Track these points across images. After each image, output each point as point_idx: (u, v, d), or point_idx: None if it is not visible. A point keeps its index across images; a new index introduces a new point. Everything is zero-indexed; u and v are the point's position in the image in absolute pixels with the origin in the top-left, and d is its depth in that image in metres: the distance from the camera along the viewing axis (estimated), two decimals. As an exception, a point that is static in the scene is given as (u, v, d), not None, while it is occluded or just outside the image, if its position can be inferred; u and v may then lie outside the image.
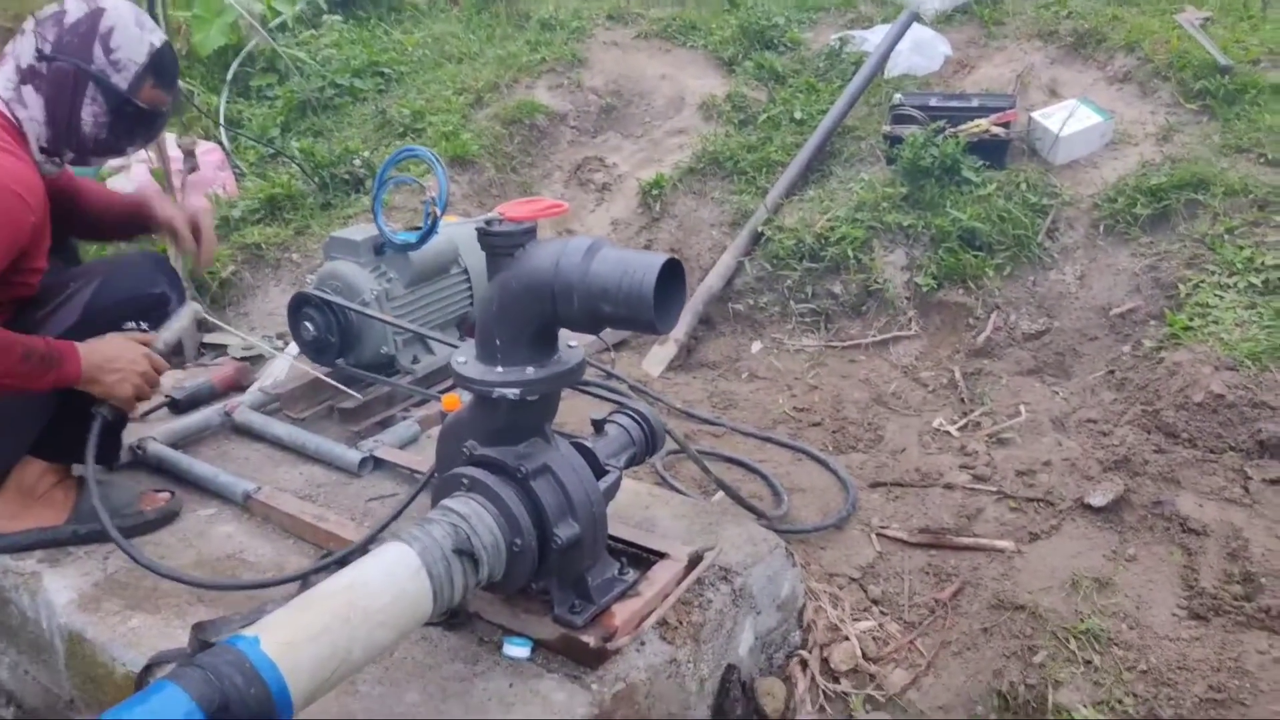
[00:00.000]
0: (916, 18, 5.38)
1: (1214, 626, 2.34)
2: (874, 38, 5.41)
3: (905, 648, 2.34)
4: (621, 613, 1.80)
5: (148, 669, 1.69)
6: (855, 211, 4.21)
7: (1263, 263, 3.48)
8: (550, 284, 1.59)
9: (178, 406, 2.76)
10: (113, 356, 1.99)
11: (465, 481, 1.68)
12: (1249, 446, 2.86)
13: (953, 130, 4.30)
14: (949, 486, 2.94)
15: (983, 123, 4.34)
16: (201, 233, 2.31)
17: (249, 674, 1.29)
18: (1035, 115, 4.46)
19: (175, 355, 3.03)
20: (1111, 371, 3.46)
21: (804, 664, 2.16)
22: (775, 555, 2.15)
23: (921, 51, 5.31)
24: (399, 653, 1.79)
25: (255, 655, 1.31)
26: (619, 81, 5.59)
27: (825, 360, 3.87)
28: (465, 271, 2.97)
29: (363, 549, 1.91)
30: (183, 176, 3.69)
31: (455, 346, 2.22)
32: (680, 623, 1.89)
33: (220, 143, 5.15)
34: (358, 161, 4.77)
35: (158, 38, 2.05)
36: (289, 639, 1.35)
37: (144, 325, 2.15)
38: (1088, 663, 2.25)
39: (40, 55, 1.94)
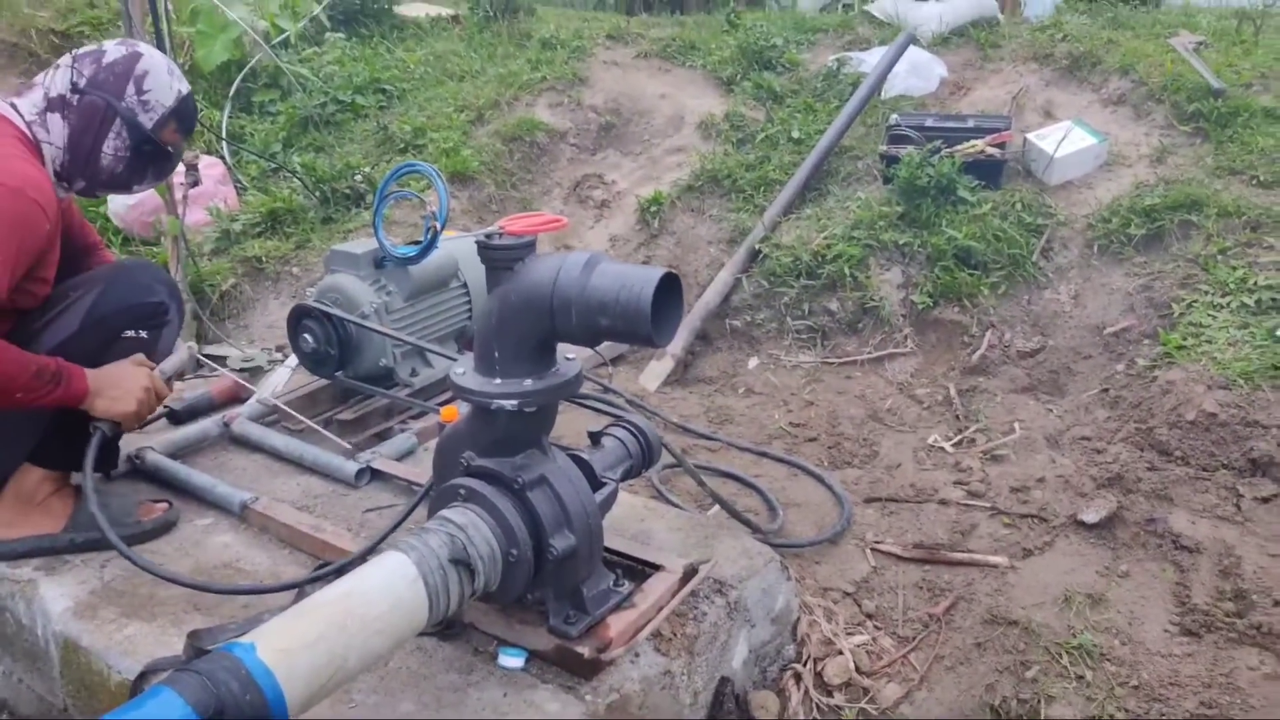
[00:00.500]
0: (913, 40, 5.43)
1: (1206, 643, 2.35)
2: (871, 59, 5.47)
3: (899, 662, 2.35)
4: (616, 624, 1.81)
5: (142, 676, 1.70)
6: (852, 230, 4.24)
7: (1255, 283, 3.51)
8: (549, 297, 1.61)
9: (176, 417, 2.77)
10: (118, 378, 2.07)
11: (462, 492, 1.69)
12: (1241, 465, 2.88)
13: (949, 150, 4.33)
14: (943, 502, 2.95)
15: (978, 143, 4.38)
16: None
17: (245, 680, 1.30)
18: (1030, 136, 4.51)
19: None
20: (1105, 390, 3.48)
21: (798, 677, 2.17)
22: (770, 569, 2.16)
23: (918, 73, 5.36)
24: (394, 662, 1.79)
25: (251, 662, 1.31)
26: (619, 100, 5.64)
27: (821, 376, 3.89)
28: (464, 286, 2.99)
29: (360, 561, 1.91)
30: (185, 190, 3.71)
31: (454, 359, 2.24)
32: (675, 635, 1.90)
33: (222, 157, 5.19)
34: (358, 177, 4.80)
35: (185, 86, 2.20)
36: (285, 646, 1.36)
37: (142, 334, 2.17)
38: (1080, 678, 2.26)
39: (74, 88, 2.06)
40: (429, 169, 2.51)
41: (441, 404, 2.61)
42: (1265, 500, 2.77)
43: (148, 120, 2.11)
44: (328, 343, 2.66)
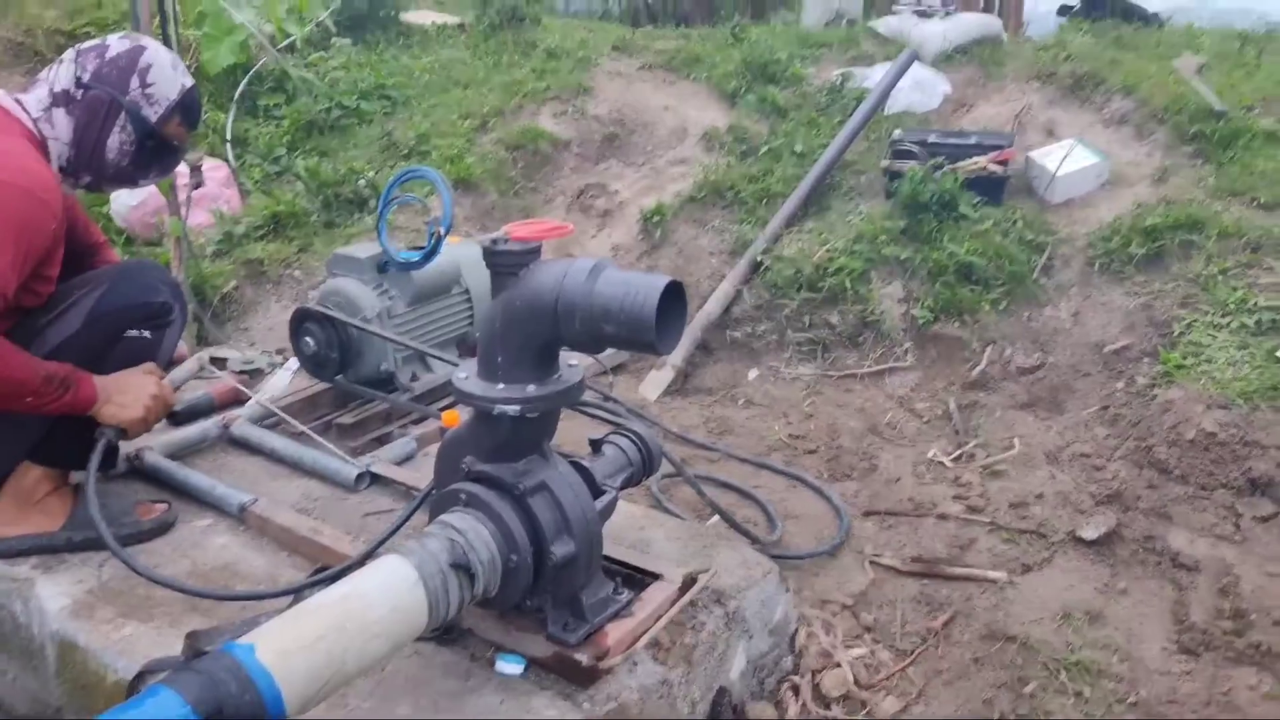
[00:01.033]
0: (917, 57, 5.46)
1: (1204, 661, 2.35)
2: (875, 75, 5.49)
3: (897, 676, 2.34)
4: (615, 632, 1.80)
5: (139, 676, 1.69)
6: (854, 243, 4.25)
7: (1255, 304, 3.53)
8: (553, 303, 1.61)
9: (176, 418, 2.76)
10: (126, 386, 2.07)
11: (463, 497, 1.69)
12: (1240, 484, 2.89)
13: (951, 167, 4.35)
14: (942, 516, 2.95)
15: (981, 160, 4.40)
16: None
17: (243, 680, 1.29)
18: (1033, 154, 4.53)
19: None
20: (1105, 407, 3.49)
21: (795, 689, 2.16)
22: (769, 580, 2.16)
23: (921, 90, 5.39)
24: (391, 667, 1.79)
25: (250, 662, 1.31)
26: (622, 111, 5.66)
27: (821, 389, 3.89)
28: (466, 291, 2.99)
29: (359, 565, 1.91)
30: (188, 191, 3.72)
31: (455, 364, 2.24)
32: (673, 644, 1.90)
33: (226, 160, 5.20)
34: (362, 182, 4.81)
35: (188, 80, 2.18)
36: (284, 647, 1.35)
37: (145, 333, 2.17)
38: (1078, 694, 2.25)
39: (78, 83, 2.05)
40: (433, 174, 2.52)
41: (442, 409, 2.61)
42: (1264, 519, 2.78)
43: (152, 114, 2.10)
44: (329, 346, 2.66)
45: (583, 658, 1.73)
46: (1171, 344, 3.54)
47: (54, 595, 2.02)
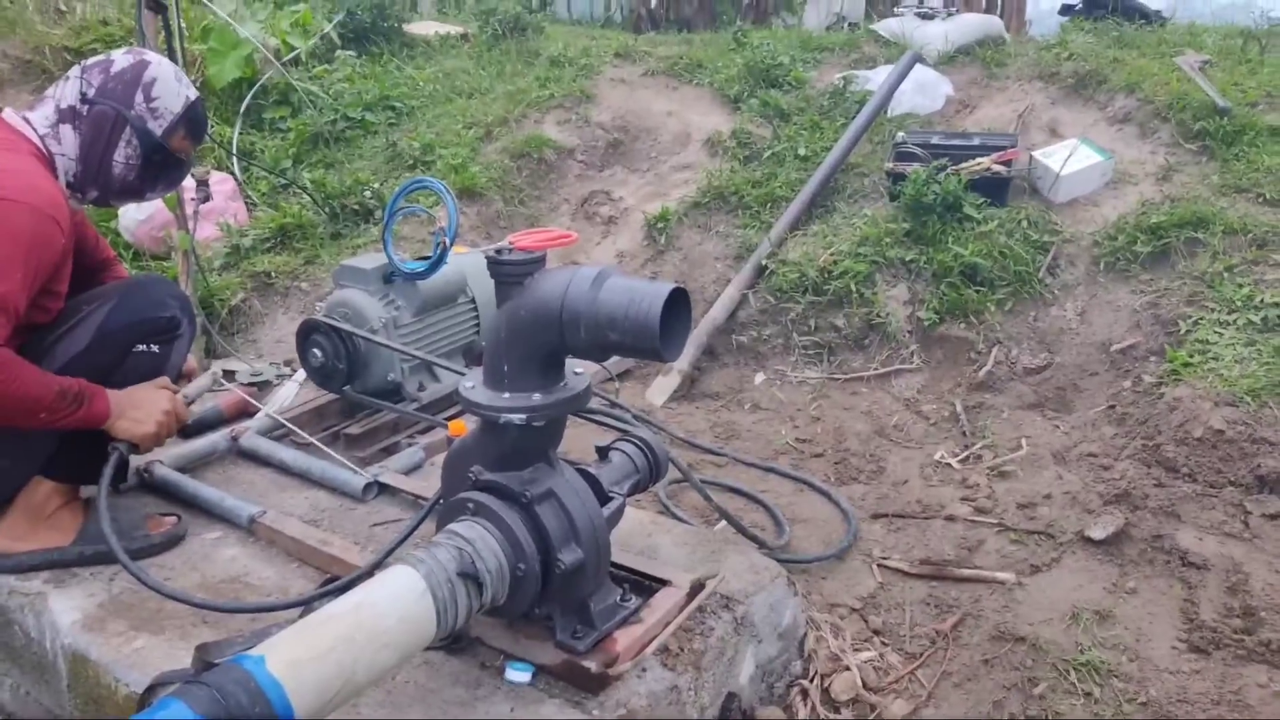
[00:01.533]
0: (919, 59, 5.46)
1: (1214, 660, 2.34)
2: (877, 78, 5.49)
3: (906, 678, 2.34)
4: (623, 639, 1.81)
5: (151, 689, 1.70)
6: (858, 246, 4.25)
7: (1261, 300, 3.52)
8: (558, 311, 1.62)
9: (185, 431, 2.78)
10: (139, 401, 2.09)
11: (470, 506, 1.70)
12: (1248, 482, 2.88)
13: (955, 168, 4.35)
14: (950, 518, 2.95)
15: (984, 161, 4.39)
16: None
17: (254, 693, 1.30)
18: (1036, 154, 4.52)
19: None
20: (1112, 406, 3.48)
21: (805, 693, 2.16)
22: (777, 584, 2.16)
23: (924, 91, 5.39)
24: (401, 676, 1.80)
25: (260, 674, 1.32)
26: (626, 117, 5.67)
27: (828, 392, 3.89)
28: (472, 301, 3.01)
29: (368, 575, 1.92)
30: (195, 205, 3.74)
31: (462, 374, 2.26)
32: (682, 650, 1.90)
33: (233, 173, 5.23)
34: (368, 193, 4.83)
35: (193, 93, 2.20)
36: (294, 659, 1.36)
37: (154, 348, 2.19)
38: (1088, 695, 2.25)
39: (84, 98, 2.07)
40: (438, 185, 2.54)
41: (449, 419, 2.62)
42: (1273, 517, 2.77)
43: (157, 127, 2.12)
44: (336, 357, 2.68)
45: (592, 665, 1.74)
46: (1178, 342, 3.53)
47: (66, 609, 2.04)
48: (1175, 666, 2.33)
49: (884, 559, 2.77)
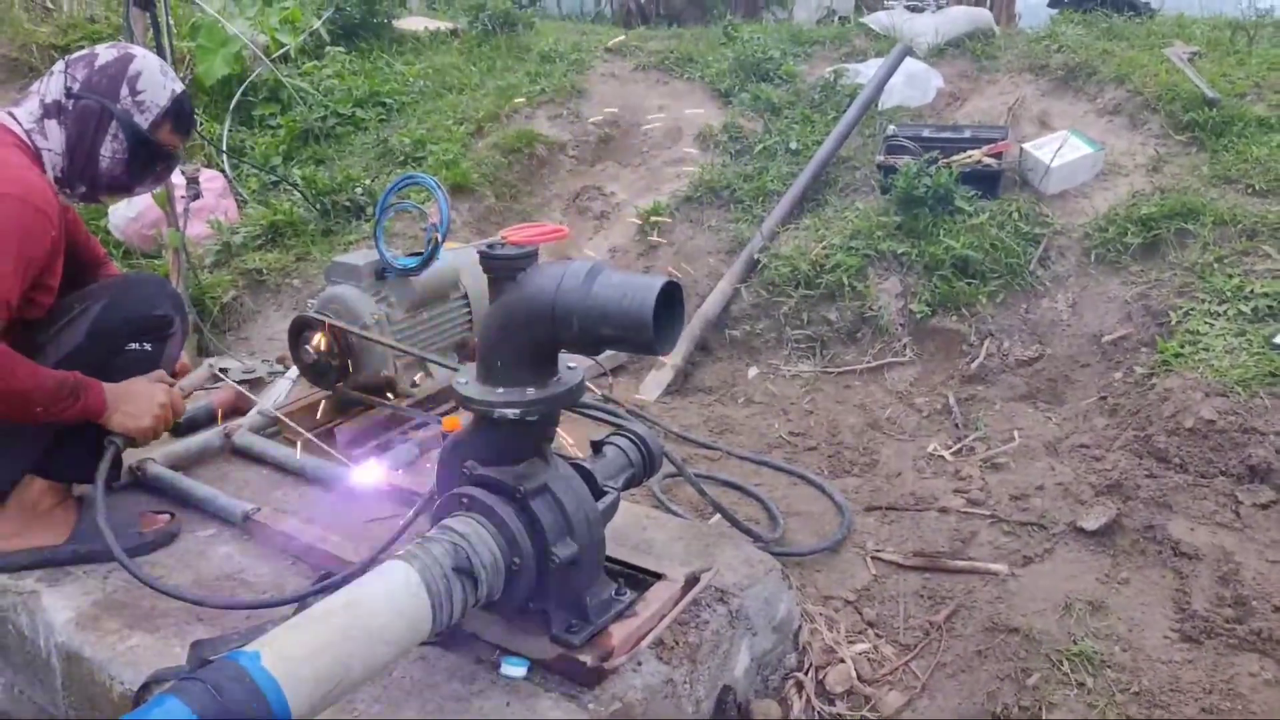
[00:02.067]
0: (910, 52, 5.47)
1: (1206, 649, 2.35)
2: (868, 71, 5.50)
3: (900, 670, 2.35)
4: (619, 633, 1.81)
5: (145, 687, 1.70)
6: (850, 240, 4.26)
7: (1251, 291, 3.53)
8: (551, 306, 1.62)
9: (178, 429, 2.77)
10: (135, 394, 2.07)
11: (465, 501, 1.70)
12: (1239, 471, 2.89)
13: (946, 161, 4.36)
14: (943, 510, 2.96)
15: (975, 153, 4.41)
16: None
17: (250, 688, 1.30)
18: (1027, 146, 4.53)
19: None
20: (1104, 397, 3.50)
21: (799, 686, 2.17)
22: (771, 577, 2.17)
23: (914, 84, 5.40)
24: (397, 671, 1.80)
25: (256, 670, 1.32)
26: (617, 112, 5.67)
27: (821, 386, 3.90)
28: (465, 296, 3.00)
29: (363, 571, 1.92)
30: (185, 203, 3.73)
31: (455, 369, 2.25)
32: (677, 643, 1.91)
33: (223, 170, 5.21)
34: (359, 189, 4.82)
35: (179, 86, 2.18)
36: (290, 655, 1.36)
37: (147, 346, 2.18)
38: (1081, 685, 2.26)
39: (69, 93, 2.06)
40: (430, 181, 2.54)
41: (443, 414, 2.62)
42: (1264, 507, 2.78)
43: (143, 120, 2.10)
44: (329, 354, 2.67)
45: (587, 658, 1.74)
46: (1169, 333, 3.55)
47: (60, 607, 2.03)
48: (1168, 656, 2.34)
49: (878, 551, 2.78)
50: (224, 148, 5.40)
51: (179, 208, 3.78)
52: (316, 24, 6.52)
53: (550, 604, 1.78)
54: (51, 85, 2.08)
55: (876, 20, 6.31)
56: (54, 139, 2.06)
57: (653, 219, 4.77)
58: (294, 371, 3.05)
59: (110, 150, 2.09)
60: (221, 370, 3.12)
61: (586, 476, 1.86)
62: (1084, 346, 3.79)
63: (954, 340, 3.97)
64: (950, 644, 2.44)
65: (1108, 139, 4.62)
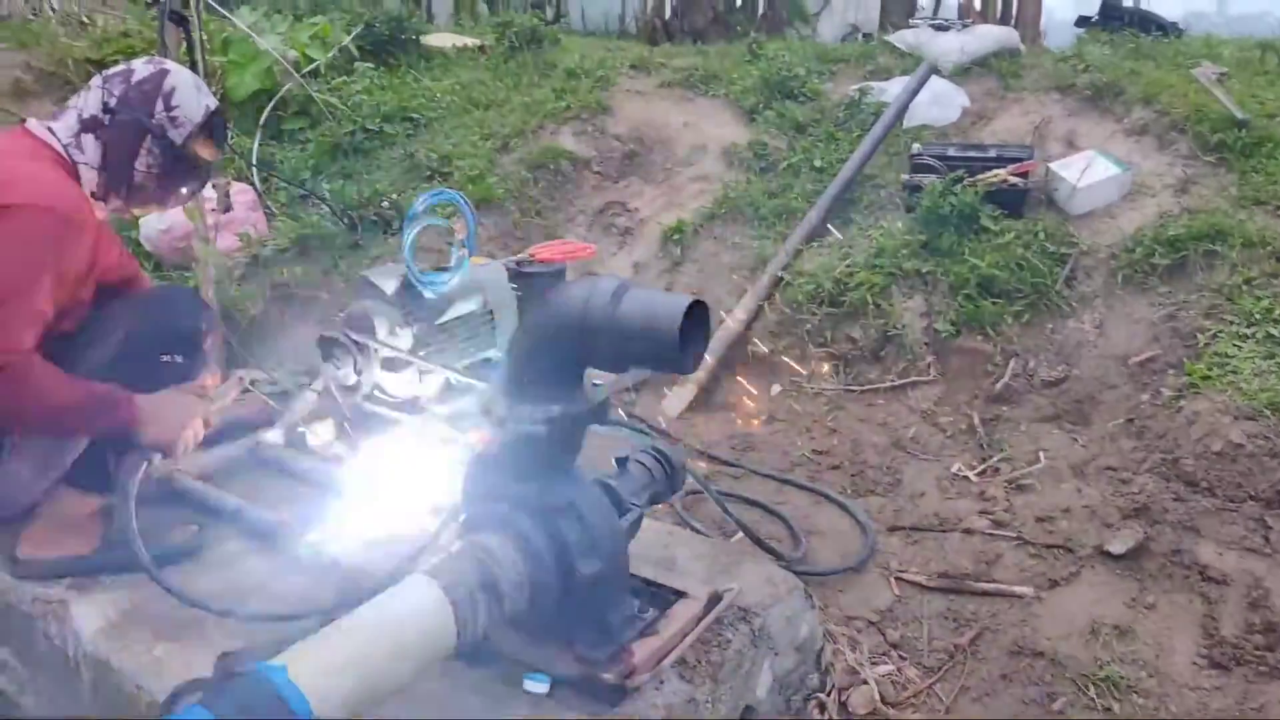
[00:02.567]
0: (935, 71, 5.46)
1: (1235, 676, 2.33)
2: (893, 89, 5.50)
3: (924, 693, 2.33)
4: (641, 651, 1.81)
5: (173, 697, 1.71)
6: (874, 258, 4.25)
7: (1280, 313, 3.50)
8: (579, 323, 1.63)
9: (206, 440, 2.79)
10: (168, 407, 2.09)
11: (490, 516, 1.71)
12: (1269, 496, 2.86)
13: (971, 180, 4.35)
14: (968, 531, 2.94)
15: (1001, 173, 4.39)
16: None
17: (276, 701, 1.31)
18: (1053, 166, 4.51)
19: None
20: (1131, 420, 3.46)
21: (822, 706, 2.16)
22: (794, 596, 2.16)
23: (940, 103, 5.39)
24: (420, 686, 1.80)
25: (283, 683, 1.33)
26: (641, 128, 5.69)
27: (844, 404, 3.89)
28: (490, 312, 3.02)
29: (389, 585, 1.93)
30: (216, 216, 3.78)
31: (481, 386, 2.27)
32: (699, 662, 1.90)
33: (253, 184, 5.27)
34: (386, 203, 4.86)
35: (212, 101, 2.22)
36: (316, 668, 1.37)
37: (179, 358, 2.21)
38: (1107, 710, 2.24)
39: (105, 108, 2.09)
40: (457, 197, 2.56)
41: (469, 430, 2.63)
42: (1294, 532, 2.75)
43: (178, 135, 2.14)
44: (355, 368, 2.69)
45: (610, 676, 1.74)
46: (1197, 355, 3.51)
47: (88, 616, 2.05)
48: (1196, 682, 2.31)
49: (901, 572, 2.77)
50: (254, 161, 5.46)
51: (210, 221, 3.83)
52: (346, 40, 6.60)
53: (573, 621, 1.78)
54: (89, 100, 2.12)
55: (901, 39, 6.31)
56: (90, 153, 2.10)
57: (676, 235, 4.78)
58: (321, 384, 3.07)
59: (145, 164, 2.13)
60: (251, 382, 3.15)
61: (610, 493, 1.87)
62: (1111, 368, 3.76)
63: (979, 360, 3.95)
64: (975, 667, 2.42)
65: (1135, 159, 4.59)
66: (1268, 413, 3.03)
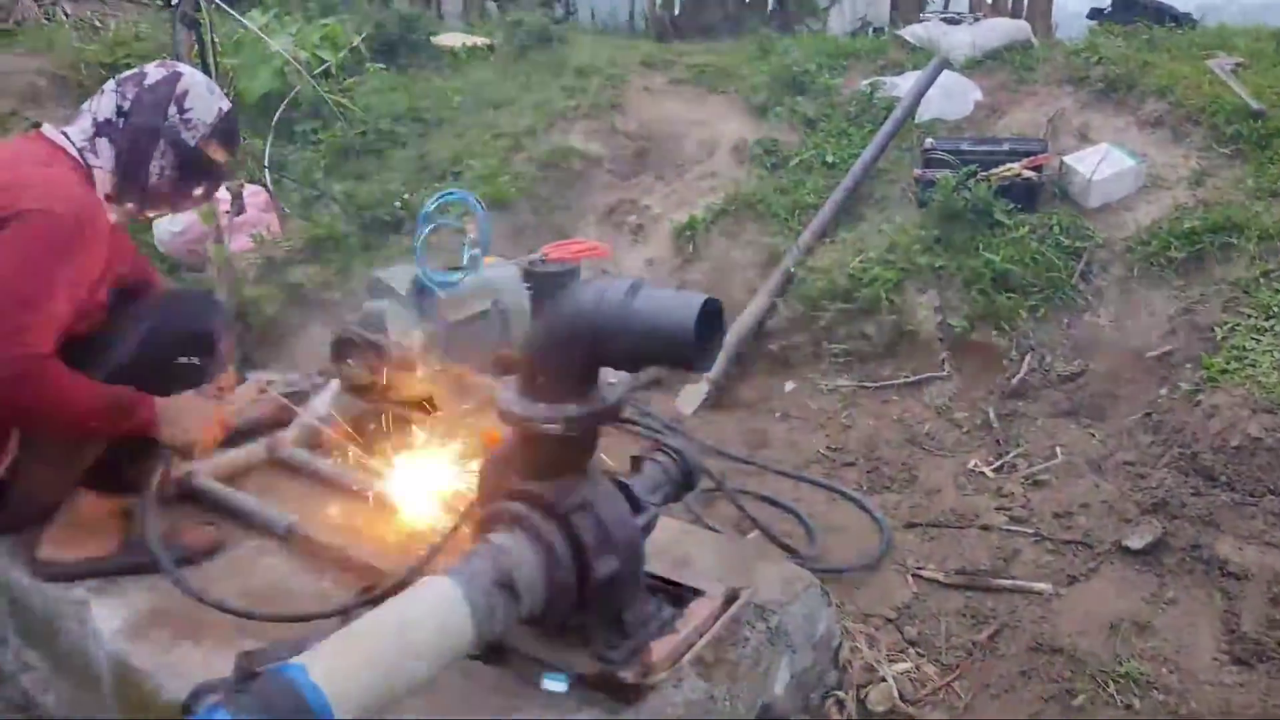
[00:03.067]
0: (947, 64, 5.44)
1: (1258, 672, 2.31)
2: (904, 83, 5.48)
3: (942, 690, 2.32)
4: (659, 649, 1.81)
5: (193, 697, 1.72)
6: (887, 253, 4.24)
7: (1299, 306, 3.47)
8: (593, 322, 1.63)
9: (225, 441, 2.81)
10: (186, 409, 2.10)
11: (507, 516, 1.71)
12: (1289, 490, 2.83)
13: (984, 174, 4.32)
14: (985, 528, 2.93)
15: (1014, 166, 4.37)
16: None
17: (296, 700, 1.32)
18: (1067, 159, 4.49)
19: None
20: (1148, 414, 3.44)
21: (840, 704, 2.15)
22: (810, 594, 2.15)
23: (952, 97, 5.36)
24: (439, 684, 1.80)
25: (303, 682, 1.33)
26: (652, 126, 5.69)
27: (858, 400, 3.88)
28: (504, 311, 3.03)
29: (406, 584, 1.93)
30: (229, 218, 3.80)
31: (495, 384, 2.27)
32: (717, 660, 1.90)
33: (265, 185, 5.29)
34: (398, 204, 4.87)
35: (225, 104, 2.23)
36: (335, 667, 1.38)
37: (195, 360, 2.22)
38: (1128, 707, 2.22)
39: (119, 111, 2.11)
40: (469, 197, 2.56)
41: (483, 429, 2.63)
42: (1315, 526, 2.73)
43: (191, 138, 2.15)
44: (369, 368, 2.70)
45: (627, 675, 1.74)
46: (1214, 348, 3.48)
47: (109, 617, 2.06)
48: (1217, 678, 2.30)
49: (919, 569, 2.76)
50: (266, 163, 5.48)
51: (223, 222, 3.85)
52: (356, 41, 6.61)
53: (590, 620, 1.78)
54: (103, 104, 2.13)
55: (912, 33, 6.28)
56: (105, 156, 2.11)
57: (688, 233, 4.78)
58: (335, 385, 3.08)
59: (159, 167, 2.14)
60: (266, 383, 3.16)
61: (626, 492, 1.86)
62: (1127, 362, 3.74)
63: (994, 355, 3.93)
64: (993, 664, 2.41)
65: (1149, 151, 4.56)
66: (1287, 406, 3.00)
